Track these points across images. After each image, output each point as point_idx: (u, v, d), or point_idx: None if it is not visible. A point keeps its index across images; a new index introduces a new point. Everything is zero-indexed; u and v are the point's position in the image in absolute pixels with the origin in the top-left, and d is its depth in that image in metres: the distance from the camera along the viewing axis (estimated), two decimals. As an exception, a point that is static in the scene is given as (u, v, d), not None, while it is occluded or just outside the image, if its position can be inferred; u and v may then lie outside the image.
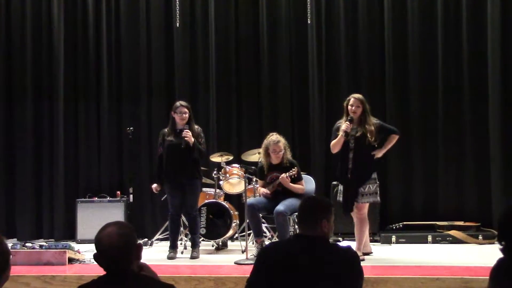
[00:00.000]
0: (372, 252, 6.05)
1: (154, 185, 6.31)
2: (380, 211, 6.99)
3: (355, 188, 5.74)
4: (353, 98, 5.76)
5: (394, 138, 5.90)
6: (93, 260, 6.29)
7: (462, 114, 7.32)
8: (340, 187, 5.93)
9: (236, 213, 6.85)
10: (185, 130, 6.03)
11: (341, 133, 5.67)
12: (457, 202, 7.30)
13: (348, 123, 5.67)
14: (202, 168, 6.50)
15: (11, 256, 2.32)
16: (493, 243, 6.67)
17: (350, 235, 6.52)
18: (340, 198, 5.90)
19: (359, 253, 5.59)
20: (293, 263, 2.68)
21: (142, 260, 2.48)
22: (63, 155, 7.88)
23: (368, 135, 5.67)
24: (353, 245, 5.62)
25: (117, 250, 2.32)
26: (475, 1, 7.33)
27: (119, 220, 7.22)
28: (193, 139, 6.02)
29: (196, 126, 6.24)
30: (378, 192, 5.84)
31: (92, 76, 8.00)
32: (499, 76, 7.10)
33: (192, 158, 6.09)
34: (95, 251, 2.38)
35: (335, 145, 5.76)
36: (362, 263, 2.81)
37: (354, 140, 5.70)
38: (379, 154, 5.87)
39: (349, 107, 5.73)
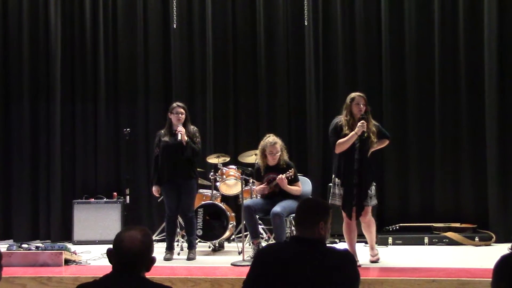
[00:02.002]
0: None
1: (154, 188, 6.26)
2: (376, 213, 6.98)
3: (364, 191, 5.43)
4: (359, 96, 5.48)
5: (385, 143, 5.71)
6: (89, 261, 6.32)
7: (459, 116, 7.33)
8: (336, 190, 5.53)
9: (233, 214, 6.84)
10: (179, 127, 6.03)
11: (356, 132, 5.32)
12: (453, 203, 7.31)
13: (364, 122, 5.36)
14: (198, 169, 6.49)
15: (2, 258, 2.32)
16: (489, 245, 6.70)
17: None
18: (336, 201, 5.50)
19: (376, 252, 5.68)
20: (290, 265, 2.68)
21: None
22: (60, 156, 7.84)
23: (371, 135, 5.44)
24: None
25: (134, 255, 2.33)
26: (472, 3, 7.35)
27: (115, 220, 7.32)
28: (186, 138, 6.01)
29: (192, 126, 6.24)
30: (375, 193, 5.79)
31: (89, 77, 7.98)
32: (496, 78, 7.11)
33: (186, 157, 6.07)
34: (112, 247, 2.39)
35: (345, 144, 5.36)
36: (358, 264, 2.81)
37: (360, 140, 5.41)
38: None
39: (356, 105, 5.43)
